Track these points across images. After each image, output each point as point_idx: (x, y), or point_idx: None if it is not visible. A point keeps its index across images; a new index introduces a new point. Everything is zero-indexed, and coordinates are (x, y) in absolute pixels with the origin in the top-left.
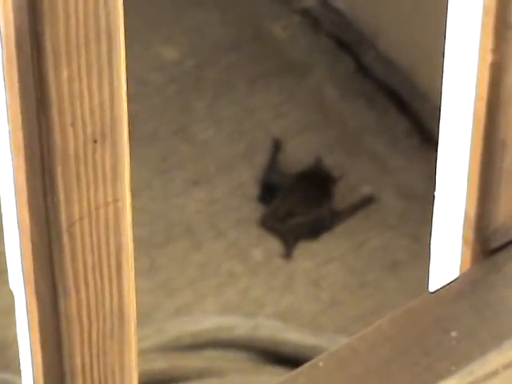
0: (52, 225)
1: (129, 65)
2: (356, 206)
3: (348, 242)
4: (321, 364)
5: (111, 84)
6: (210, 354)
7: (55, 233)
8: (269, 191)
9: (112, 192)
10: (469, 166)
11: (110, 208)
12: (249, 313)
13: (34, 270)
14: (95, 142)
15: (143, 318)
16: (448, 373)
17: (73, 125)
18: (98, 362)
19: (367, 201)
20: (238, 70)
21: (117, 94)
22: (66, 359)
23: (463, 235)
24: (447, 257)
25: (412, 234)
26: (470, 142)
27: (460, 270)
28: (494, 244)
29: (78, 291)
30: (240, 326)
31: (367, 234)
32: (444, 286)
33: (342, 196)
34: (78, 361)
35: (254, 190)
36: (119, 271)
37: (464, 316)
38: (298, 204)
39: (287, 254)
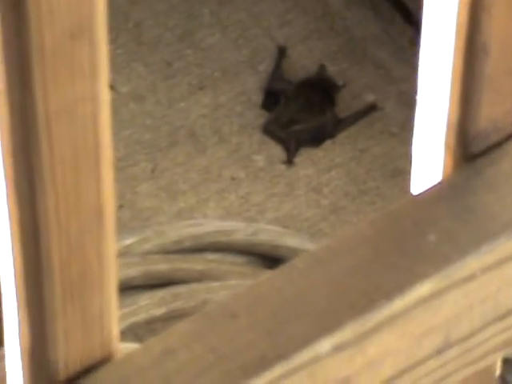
0: (29, 120)
1: None
2: (359, 113)
3: (350, 150)
4: (299, 265)
5: None
6: (210, 257)
7: (33, 128)
8: (272, 98)
9: (90, 88)
10: (451, 72)
11: (88, 104)
12: (249, 218)
13: (13, 165)
14: (73, 37)
15: (145, 220)
16: (426, 275)
17: (50, 20)
18: (77, 258)
19: (370, 109)
20: None
21: None
22: (44, 254)
23: (445, 140)
24: (429, 162)
25: None
26: (452, 47)
27: (442, 175)
28: (476, 149)
29: (55, 186)
30: (240, 230)
31: (369, 141)
32: (425, 191)
33: (345, 104)
34: (56, 255)
35: (257, 97)
36: (97, 168)
37: (443, 220)
38: (301, 111)
39: (289, 161)
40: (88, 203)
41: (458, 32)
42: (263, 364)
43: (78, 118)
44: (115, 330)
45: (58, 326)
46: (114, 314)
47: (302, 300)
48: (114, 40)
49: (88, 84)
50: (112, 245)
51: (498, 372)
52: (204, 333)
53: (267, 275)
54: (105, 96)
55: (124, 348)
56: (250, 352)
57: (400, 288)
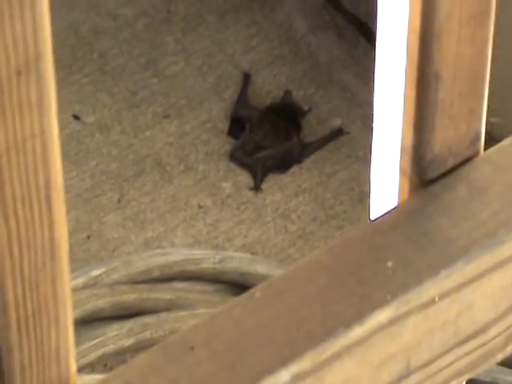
0: None
1: None
2: (325, 138)
3: (317, 175)
4: (257, 294)
5: (33, 16)
6: (179, 286)
7: None
8: (238, 125)
9: (38, 124)
10: (405, 98)
11: (37, 140)
12: (217, 245)
13: None
14: (19, 74)
15: (113, 250)
16: (384, 302)
17: None
18: (31, 295)
19: (336, 133)
20: (208, 3)
21: (40, 25)
22: None
23: (401, 166)
24: (386, 187)
25: None
26: (404, 73)
27: (398, 201)
28: (431, 174)
29: (7, 223)
30: (208, 258)
31: (336, 166)
32: (381, 216)
33: (311, 128)
34: (11, 293)
35: (223, 124)
36: (49, 204)
37: (401, 246)
38: (267, 137)
39: (256, 187)
40: (41, 240)
41: (409, 59)
42: None
43: (27, 155)
44: (73, 365)
45: (14, 361)
46: (71, 350)
47: (261, 330)
48: (78, 70)
49: (37, 120)
50: (67, 280)
51: None
52: (162, 366)
53: (225, 306)
54: (54, 132)
55: (93, 379)
56: None
57: (358, 315)
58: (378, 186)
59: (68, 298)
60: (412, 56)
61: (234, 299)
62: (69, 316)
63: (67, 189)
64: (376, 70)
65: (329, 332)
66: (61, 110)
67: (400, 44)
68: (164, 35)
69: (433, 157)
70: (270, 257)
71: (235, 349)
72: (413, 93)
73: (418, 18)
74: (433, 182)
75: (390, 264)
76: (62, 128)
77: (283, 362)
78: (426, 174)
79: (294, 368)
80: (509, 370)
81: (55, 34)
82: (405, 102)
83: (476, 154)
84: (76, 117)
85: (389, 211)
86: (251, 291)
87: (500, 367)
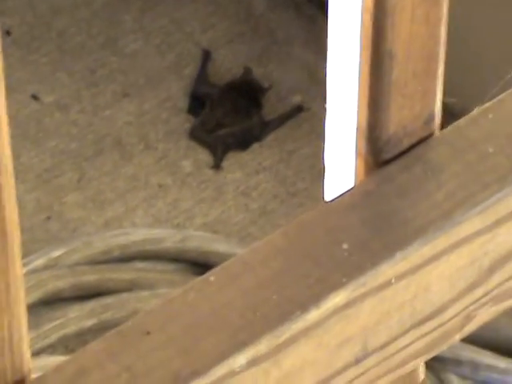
0: None
1: None
2: (286, 115)
3: (278, 152)
4: (212, 279)
5: None
6: (139, 266)
7: None
8: (198, 102)
9: None
10: (359, 77)
11: None
12: (178, 224)
13: None
14: None
15: (73, 231)
16: (340, 284)
17: None
18: None
19: (297, 110)
20: None
21: None
22: None
23: (356, 146)
24: (341, 168)
25: None
26: (358, 53)
27: (354, 182)
28: (387, 155)
29: None
30: (169, 237)
31: (297, 143)
32: (337, 198)
33: (271, 106)
34: None
35: (183, 102)
36: None
37: (356, 228)
38: (228, 115)
39: (216, 165)
40: None
41: (362, 37)
42: (178, 381)
43: None
44: (26, 352)
45: None
46: (25, 337)
47: (216, 315)
48: (37, 50)
49: None
50: (19, 267)
51: (421, 377)
52: (117, 351)
53: (180, 290)
54: (3, 117)
55: (53, 361)
56: (164, 369)
57: (314, 298)
58: (333, 167)
59: (20, 284)
60: (365, 35)
61: (189, 283)
62: (21, 303)
63: (27, 169)
64: (329, 49)
65: (285, 315)
66: (19, 90)
67: (353, 23)
68: (122, 14)
69: (388, 137)
70: (231, 235)
71: (191, 333)
72: (367, 72)
73: None
74: (388, 162)
75: (345, 246)
76: (20, 108)
77: (239, 347)
78: (382, 155)
79: (250, 352)
80: (470, 346)
81: (12, 14)
82: (359, 81)
83: (431, 133)
84: (35, 97)
85: (344, 192)
86: (206, 275)
87: (462, 343)
